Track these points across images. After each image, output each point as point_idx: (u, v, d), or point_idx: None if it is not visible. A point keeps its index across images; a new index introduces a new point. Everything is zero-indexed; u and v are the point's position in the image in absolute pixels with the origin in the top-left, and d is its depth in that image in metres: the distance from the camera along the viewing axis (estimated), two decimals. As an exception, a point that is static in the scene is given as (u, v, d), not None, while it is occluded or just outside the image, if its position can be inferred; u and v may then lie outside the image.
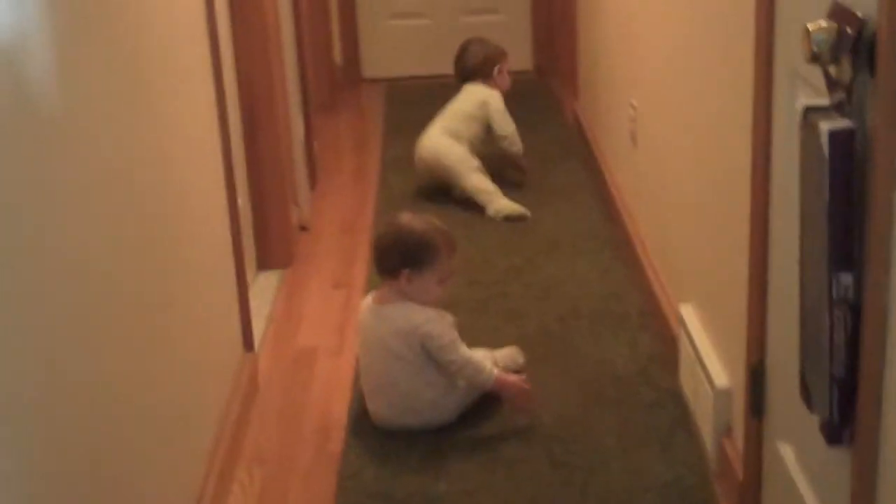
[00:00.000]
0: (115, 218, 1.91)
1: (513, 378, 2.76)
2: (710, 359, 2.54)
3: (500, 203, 4.10)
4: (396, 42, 6.21)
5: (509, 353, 2.97)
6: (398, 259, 2.72)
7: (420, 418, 2.69)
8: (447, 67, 4.71)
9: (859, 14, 1.53)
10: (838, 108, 1.64)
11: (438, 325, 2.68)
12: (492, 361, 2.83)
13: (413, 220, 2.80)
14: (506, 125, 4.36)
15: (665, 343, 3.00)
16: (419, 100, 5.65)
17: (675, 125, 2.96)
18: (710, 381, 2.47)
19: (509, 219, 4.05)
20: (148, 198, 2.14)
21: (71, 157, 1.70)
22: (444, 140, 4.26)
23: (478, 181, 4.17)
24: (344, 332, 3.29)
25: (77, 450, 1.67)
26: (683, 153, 2.87)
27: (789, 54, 1.90)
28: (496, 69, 4.45)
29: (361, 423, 2.77)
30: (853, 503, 1.65)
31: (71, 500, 1.64)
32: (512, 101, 5.61)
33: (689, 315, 2.74)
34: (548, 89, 5.82)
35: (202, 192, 2.62)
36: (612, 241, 3.79)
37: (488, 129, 4.35)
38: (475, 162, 4.23)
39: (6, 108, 1.46)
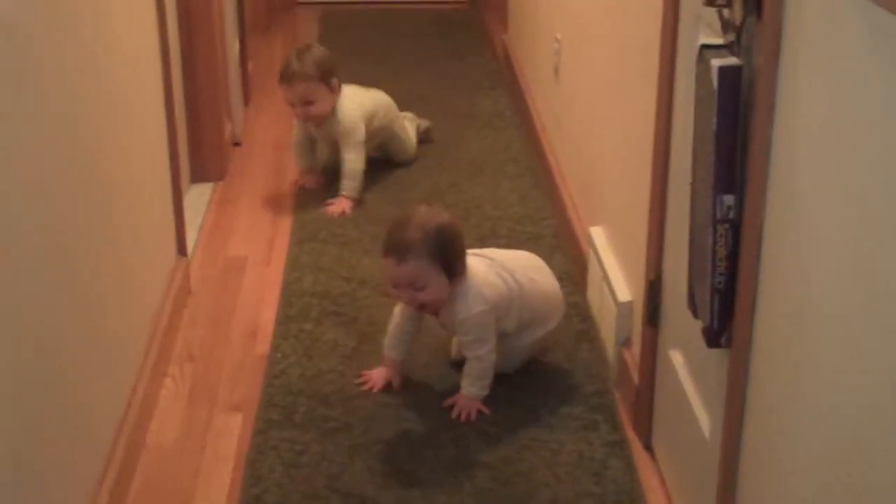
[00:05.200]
0: (58, 122, 2.06)
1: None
2: (615, 275, 2.75)
3: None
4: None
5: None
6: None
7: None
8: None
9: (750, -38, 1.71)
10: (729, 48, 1.83)
11: None
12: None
13: None
14: None
15: (576, 263, 3.20)
16: (352, 24, 5.82)
17: (594, 59, 3.14)
18: (614, 296, 2.68)
19: None
20: (89, 107, 2.28)
21: (13, 62, 1.84)
22: None
23: None
24: (273, 243, 3.45)
25: (21, 342, 1.83)
26: (600, 86, 3.05)
27: (693, -3, 2.08)
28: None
29: (288, 328, 2.95)
30: (729, 397, 1.87)
31: (15, 389, 1.80)
32: (443, 31, 5.78)
33: (599, 236, 2.94)
34: (479, 20, 5.96)
35: (142, 105, 2.76)
36: (533, 168, 3.98)
37: None
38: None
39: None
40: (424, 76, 5.03)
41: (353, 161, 3.71)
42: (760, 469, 1.78)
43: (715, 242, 1.82)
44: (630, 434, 2.52)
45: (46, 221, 1.95)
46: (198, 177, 3.87)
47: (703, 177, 1.86)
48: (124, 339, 2.51)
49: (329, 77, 3.70)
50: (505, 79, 4.94)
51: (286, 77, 3.71)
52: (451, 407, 2.60)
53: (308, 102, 3.68)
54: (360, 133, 3.74)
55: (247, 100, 4.55)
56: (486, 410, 2.60)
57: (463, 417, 2.58)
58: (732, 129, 1.78)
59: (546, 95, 4.05)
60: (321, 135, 3.83)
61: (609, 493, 2.33)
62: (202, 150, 3.86)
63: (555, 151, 3.80)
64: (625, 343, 2.66)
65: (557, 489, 2.34)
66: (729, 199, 1.80)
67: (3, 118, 1.73)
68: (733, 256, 1.81)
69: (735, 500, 1.90)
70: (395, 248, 2.56)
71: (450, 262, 2.58)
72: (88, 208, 2.23)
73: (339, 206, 3.64)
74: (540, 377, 2.73)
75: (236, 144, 4.19)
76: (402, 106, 4.48)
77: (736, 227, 1.80)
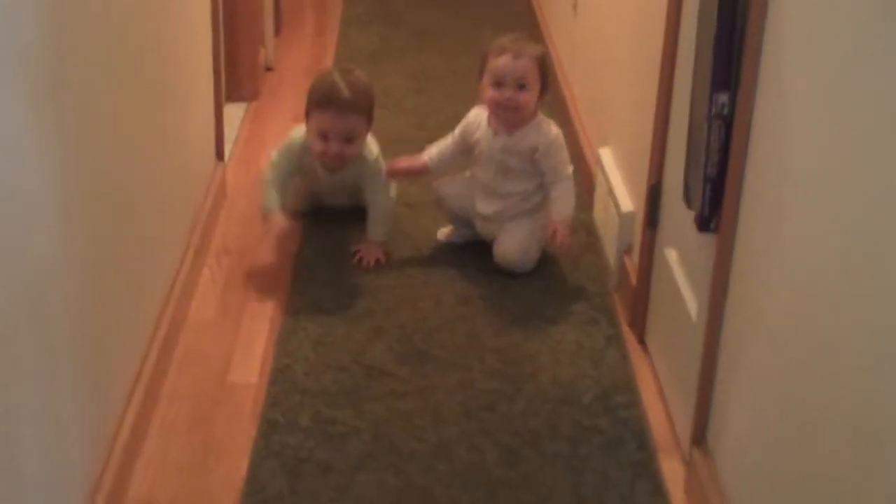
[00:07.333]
0: (116, 37, 2.29)
1: None
2: (620, 189, 2.97)
3: None
4: None
5: None
6: None
7: None
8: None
9: None
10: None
11: None
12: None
13: None
14: None
15: (584, 182, 3.42)
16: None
17: (610, -8, 3.35)
18: (618, 207, 2.90)
19: None
20: (145, 27, 2.51)
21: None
22: None
23: None
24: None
25: (81, 223, 2.07)
26: (615, 16, 3.26)
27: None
28: None
29: (316, 228, 3.18)
30: (714, 278, 2.09)
31: (87, 254, 2.04)
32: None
33: (606, 156, 3.16)
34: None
35: (190, 18, 2.99)
36: (548, 101, 4.18)
37: None
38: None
39: None
40: (446, 13, 5.22)
41: (389, 202, 3.16)
42: (738, 346, 2.00)
43: (709, 137, 2.04)
44: (626, 331, 2.76)
45: (106, 109, 2.17)
46: (233, 96, 4.09)
47: (703, 77, 2.08)
48: (169, 228, 2.74)
49: (372, 113, 3.15)
50: (527, 20, 5.14)
51: (334, 104, 3.03)
52: (466, 303, 2.84)
53: (349, 140, 3.06)
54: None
55: (277, 30, 4.77)
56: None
57: (567, 242, 2.96)
58: (730, 32, 1.99)
59: (564, 33, 4.26)
60: (331, 177, 3.19)
61: (604, 377, 2.56)
62: (238, 71, 4.08)
63: (569, 83, 4.01)
64: (626, 251, 2.89)
65: (558, 371, 2.57)
66: (723, 97, 2.01)
67: (61, 17, 1.96)
68: (725, 150, 2.03)
69: (715, 376, 2.13)
70: (515, 46, 2.97)
71: (546, 82, 3.02)
72: (140, 102, 2.45)
73: (373, 254, 3.06)
74: (547, 281, 2.96)
75: (268, 69, 4.42)
76: (423, 41, 4.67)
77: (728, 123, 2.01)
